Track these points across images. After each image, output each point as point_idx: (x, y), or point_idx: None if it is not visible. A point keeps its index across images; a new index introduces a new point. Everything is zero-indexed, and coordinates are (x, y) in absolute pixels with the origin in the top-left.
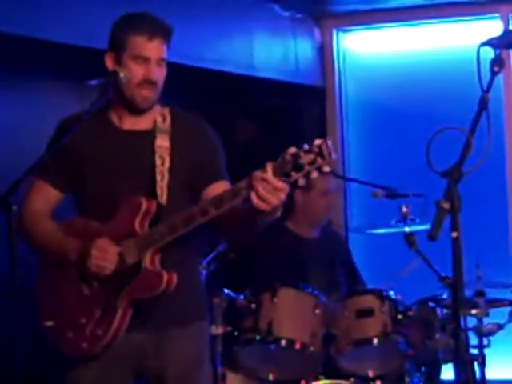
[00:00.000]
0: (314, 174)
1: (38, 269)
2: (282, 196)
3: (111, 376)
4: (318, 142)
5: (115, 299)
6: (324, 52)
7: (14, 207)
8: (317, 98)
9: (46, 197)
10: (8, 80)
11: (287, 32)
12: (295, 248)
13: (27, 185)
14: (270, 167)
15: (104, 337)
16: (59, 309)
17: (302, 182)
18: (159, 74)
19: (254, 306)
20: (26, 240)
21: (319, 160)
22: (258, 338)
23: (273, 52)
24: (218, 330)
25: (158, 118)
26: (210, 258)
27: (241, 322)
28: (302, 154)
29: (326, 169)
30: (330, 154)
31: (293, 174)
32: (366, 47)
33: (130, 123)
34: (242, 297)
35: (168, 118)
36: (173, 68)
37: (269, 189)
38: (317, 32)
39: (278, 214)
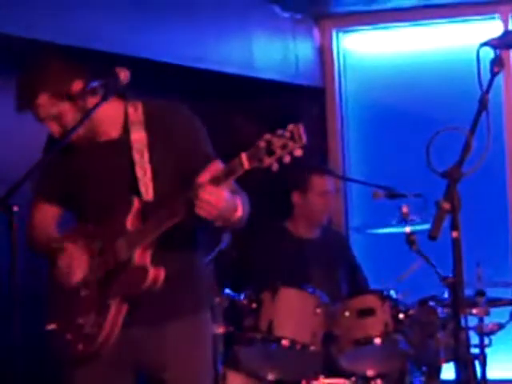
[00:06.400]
0: (287, 159)
1: (48, 274)
2: (212, 199)
3: (111, 372)
4: (290, 126)
5: (107, 297)
6: (324, 53)
7: (15, 208)
8: (317, 98)
9: (45, 214)
10: (8, 80)
11: (287, 33)
12: (295, 249)
13: (28, 185)
14: (244, 156)
15: (98, 335)
16: (61, 311)
17: (275, 166)
18: (60, 124)
19: (254, 305)
20: (35, 253)
21: (291, 144)
22: (258, 337)
23: (273, 53)
24: (218, 329)
25: (129, 110)
26: (209, 257)
27: (241, 322)
28: (274, 139)
29: (298, 152)
30: (300, 137)
31: (265, 158)
32: (366, 48)
33: (104, 135)
34: (242, 296)
35: (140, 108)
36: (172, 69)
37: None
38: (316, 33)
39: (239, 221)
